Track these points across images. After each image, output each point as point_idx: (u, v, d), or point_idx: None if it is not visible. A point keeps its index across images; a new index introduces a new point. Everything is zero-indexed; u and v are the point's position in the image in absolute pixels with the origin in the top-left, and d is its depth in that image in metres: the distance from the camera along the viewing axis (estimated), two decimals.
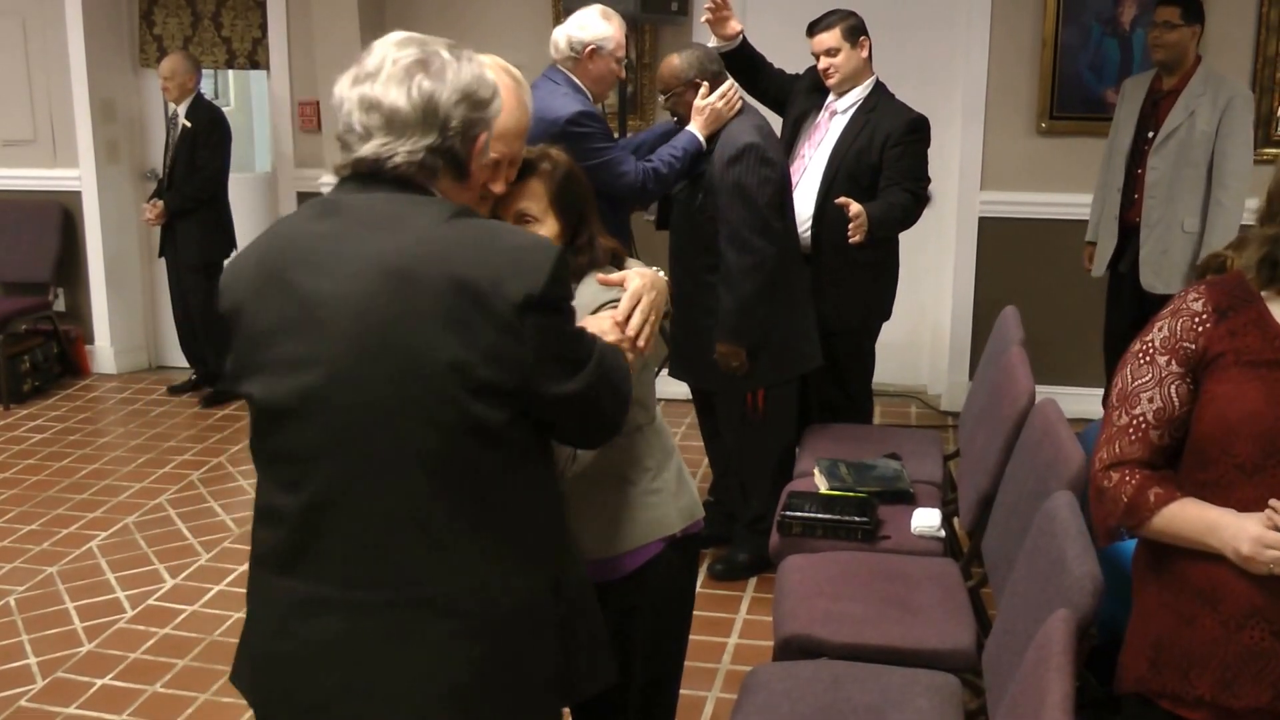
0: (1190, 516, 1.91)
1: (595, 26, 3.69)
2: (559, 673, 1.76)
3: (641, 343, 1.97)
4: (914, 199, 4.01)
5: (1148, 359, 1.97)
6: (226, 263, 1.77)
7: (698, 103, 3.79)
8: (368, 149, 1.62)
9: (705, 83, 3.80)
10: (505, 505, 1.66)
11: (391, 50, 1.64)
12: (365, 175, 1.64)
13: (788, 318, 3.87)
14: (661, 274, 2.13)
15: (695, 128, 3.80)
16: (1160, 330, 1.97)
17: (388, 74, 1.62)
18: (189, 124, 5.87)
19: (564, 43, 3.71)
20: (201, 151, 5.89)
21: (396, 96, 1.60)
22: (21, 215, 6.52)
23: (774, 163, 3.73)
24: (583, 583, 1.86)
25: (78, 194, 6.51)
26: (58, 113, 6.47)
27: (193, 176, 5.89)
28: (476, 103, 1.65)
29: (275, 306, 1.62)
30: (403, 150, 1.61)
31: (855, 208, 3.80)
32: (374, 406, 1.57)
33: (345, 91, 1.64)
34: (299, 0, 6.05)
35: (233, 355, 1.70)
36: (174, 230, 5.97)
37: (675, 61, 3.85)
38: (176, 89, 5.87)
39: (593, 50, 3.68)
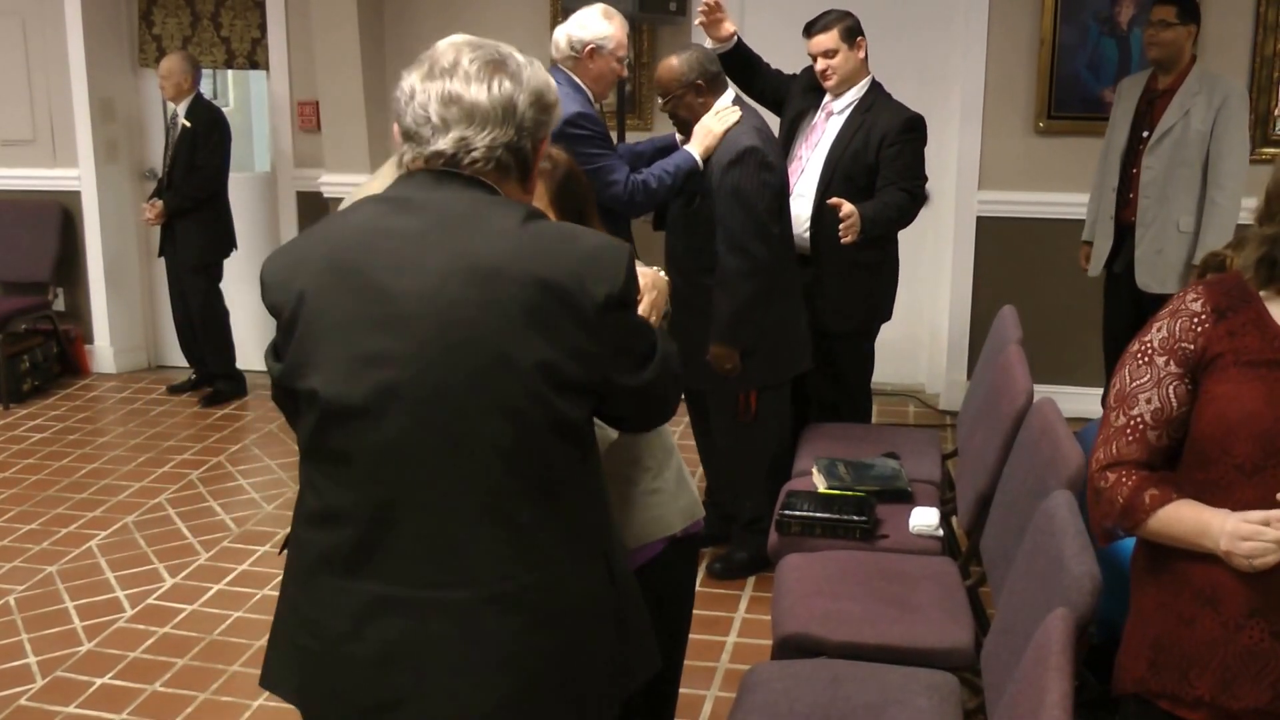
0: (1185, 518, 1.91)
1: (596, 26, 3.70)
2: (618, 661, 1.77)
3: None
4: (910, 198, 4.01)
5: (1146, 359, 1.97)
6: (271, 255, 1.71)
7: (697, 127, 3.77)
8: (445, 142, 1.63)
9: (706, 91, 3.81)
10: (576, 498, 1.69)
11: (466, 50, 1.67)
12: (438, 172, 1.65)
13: (780, 320, 3.87)
14: (663, 274, 2.14)
15: (694, 147, 3.77)
16: (1159, 331, 1.97)
17: (466, 71, 1.64)
18: (188, 124, 5.87)
19: (564, 42, 3.71)
20: (201, 151, 5.89)
21: (477, 92, 1.63)
22: (21, 215, 6.52)
23: (773, 167, 3.73)
24: (629, 571, 1.87)
25: (77, 194, 6.51)
26: (57, 112, 6.47)
27: (192, 176, 5.89)
28: (545, 106, 1.70)
29: (350, 302, 1.60)
30: (481, 145, 1.63)
31: (846, 208, 3.81)
32: (456, 404, 1.58)
33: (419, 85, 1.65)
34: (298, 0, 6.05)
35: (292, 350, 1.65)
36: (173, 230, 5.97)
37: (674, 63, 3.83)
38: (173, 88, 5.87)
39: (593, 49, 3.69)
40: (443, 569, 1.61)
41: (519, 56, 1.69)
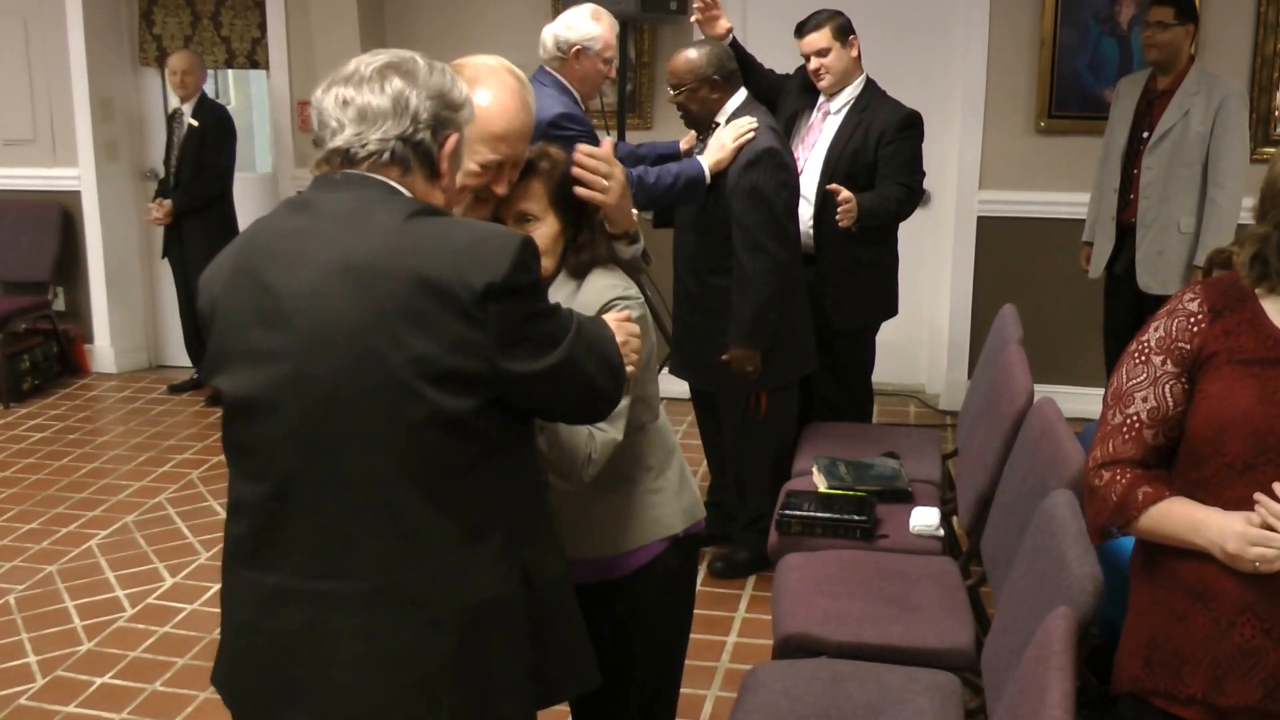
0: (1176, 515, 1.92)
1: (583, 26, 3.68)
2: (533, 669, 1.76)
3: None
4: (908, 192, 4.03)
5: (1143, 359, 1.98)
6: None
7: (713, 140, 3.74)
8: (340, 139, 1.68)
9: (721, 87, 3.80)
10: (474, 497, 1.68)
11: (366, 58, 1.73)
12: (338, 175, 1.70)
13: (789, 321, 3.87)
14: (634, 316, 2.08)
15: (706, 158, 3.72)
16: (1156, 330, 1.98)
17: (361, 76, 1.70)
18: (195, 123, 5.87)
19: (551, 42, 3.70)
20: (209, 151, 5.90)
21: (370, 93, 1.68)
22: (21, 215, 6.53)
23: (789, 167, 3.74)
24: (561, 581, 1.86)
25: (77, 193, 6.51)
26: (58, 112, 6.47)
27: (200, 176, 5.90)
28: (447, 103, 1.72)
29: (246, 300, 1.67)
30: (374, 138, 1.67)
31: (845, 194, 3.83)
32: (337, 400, 1.61)
33: (321, 95, 1.72)
34: (298, 0, 6.05)
35: (209, 350, 1.74)
36: (180, 230, 5.96)
37: (692, 55, 3.82)
38: (193, 84, 5.89)
39: (579, 50, 3.67)
40: (333, 561, 1.64)
41: (422, 62, 1.73)
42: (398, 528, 1.63)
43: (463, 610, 1.67)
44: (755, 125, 3.72)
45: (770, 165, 3.66)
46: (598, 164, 2.10)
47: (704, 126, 3.88)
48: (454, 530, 1.66)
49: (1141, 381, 1.97)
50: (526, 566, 1.75)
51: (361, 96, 1.68)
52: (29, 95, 6.50)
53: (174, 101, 6.18)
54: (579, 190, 2.10)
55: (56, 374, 6.52)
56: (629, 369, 1.90)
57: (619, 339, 1.90)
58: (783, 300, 3.76)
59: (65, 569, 4.23)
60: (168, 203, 5.91)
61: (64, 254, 6.53)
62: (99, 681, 3.49)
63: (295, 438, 1.63)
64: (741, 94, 3.87)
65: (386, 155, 1.68)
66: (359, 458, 1.62)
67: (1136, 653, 2.01)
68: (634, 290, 2.19)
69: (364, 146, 1.67)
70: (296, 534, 1.66)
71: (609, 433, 2.03)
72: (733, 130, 3.72)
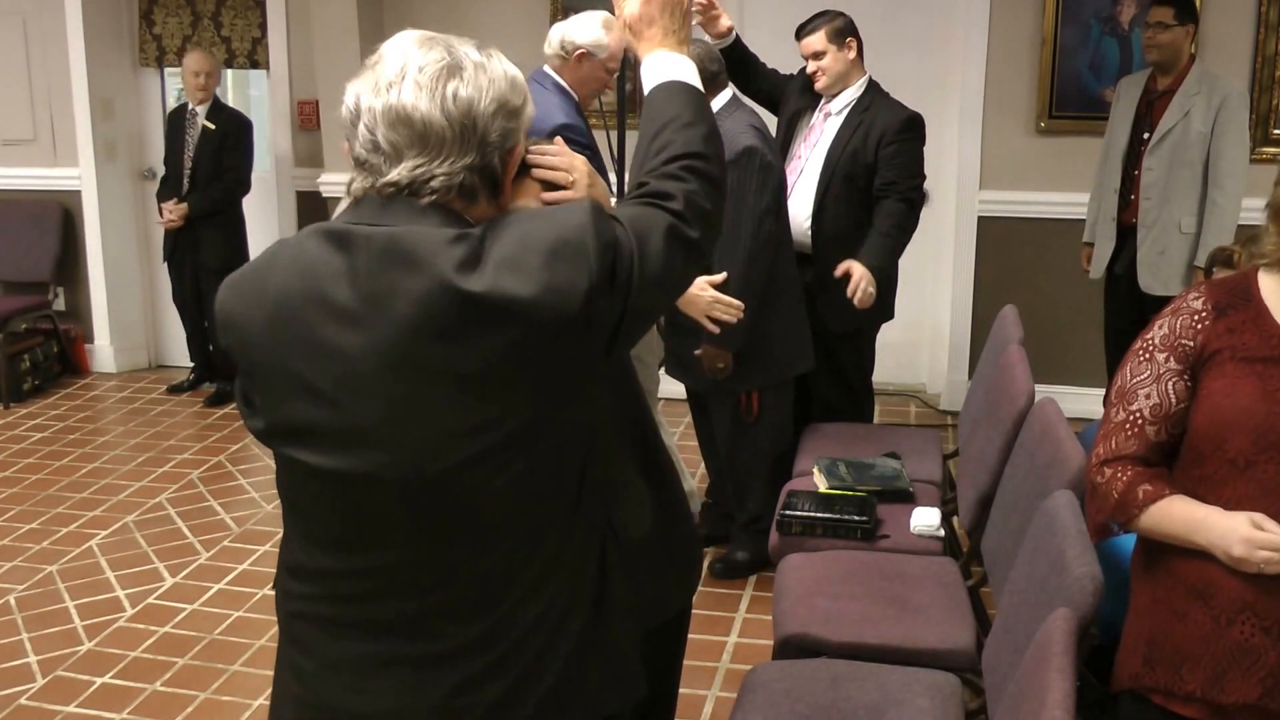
0: (1177, 514, 1.93)
1: (593, 32, 3.68)
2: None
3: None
4: (908, 206, 4.00)
5: (1147, 356, 1.99)
6: (227, 284, 1.54)
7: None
8: (399, 172, 1.42)
9: (706, 87, 3.79)
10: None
11: (415, 53, 1.45)
12: (384, 199, 1.45)
13: (780, 320, 3.87)
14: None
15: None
16: (1160, 328, 2.00)
17: (414, 81, 1.42)
18: (211, 125, 5.86)
19: (557, 41, 3.70)
20: (230, 154, 5.90)
21: (429, 109, 1.41)
22: (21, 214, 6.52)
23: (772, 166, 3.73)
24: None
25: (77, 193, 6.51)
26: (58, 112, 6.47)
27: (220, 179, 5.89)
28: (512, 110, 1.48)
29: (304, 362, 1.44)
30: (440, 173, 1.42)
31: (856, 274, 3.81)
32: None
33: (365, 102, 1.44)
34: (298, 0, 6.05)
35: (261, 408, 1.52)
36: (193, 233, 5.91)
37: None
38: (213, 86, 5.90)
39: (583, 54, 3.67)
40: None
41: (475, 54, 1.47)
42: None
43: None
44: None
45: (753, 165, 3.66)
46: (554, 160, 2.07)
47: None
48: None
49: (1145, 379, 1.98)
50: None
51: (419, 112, 1.41)
52: (29, 95, 6.50)
53: (173, 101, 6.16)
54: (546, 195, 2.07)
55: (57, 374, 6.52)
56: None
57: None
58: (763, 299, 3.76)
59: (65, 569, 4.23)
60: (183, 205, 5.88)
61: (64, 254, 6.53)
62: (99, 681, 3.49)
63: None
64: (726, 94, 3.86)
65: (454, 191, 1.43)
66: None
67: (1136, 650, 2.02)
68: None
69: (428, 183, 1.42)
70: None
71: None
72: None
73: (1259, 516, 1.85)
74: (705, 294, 3.52)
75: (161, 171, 6.16)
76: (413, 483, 1.43)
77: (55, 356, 6.51)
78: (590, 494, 1.55)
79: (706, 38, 4.21)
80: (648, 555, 1.82)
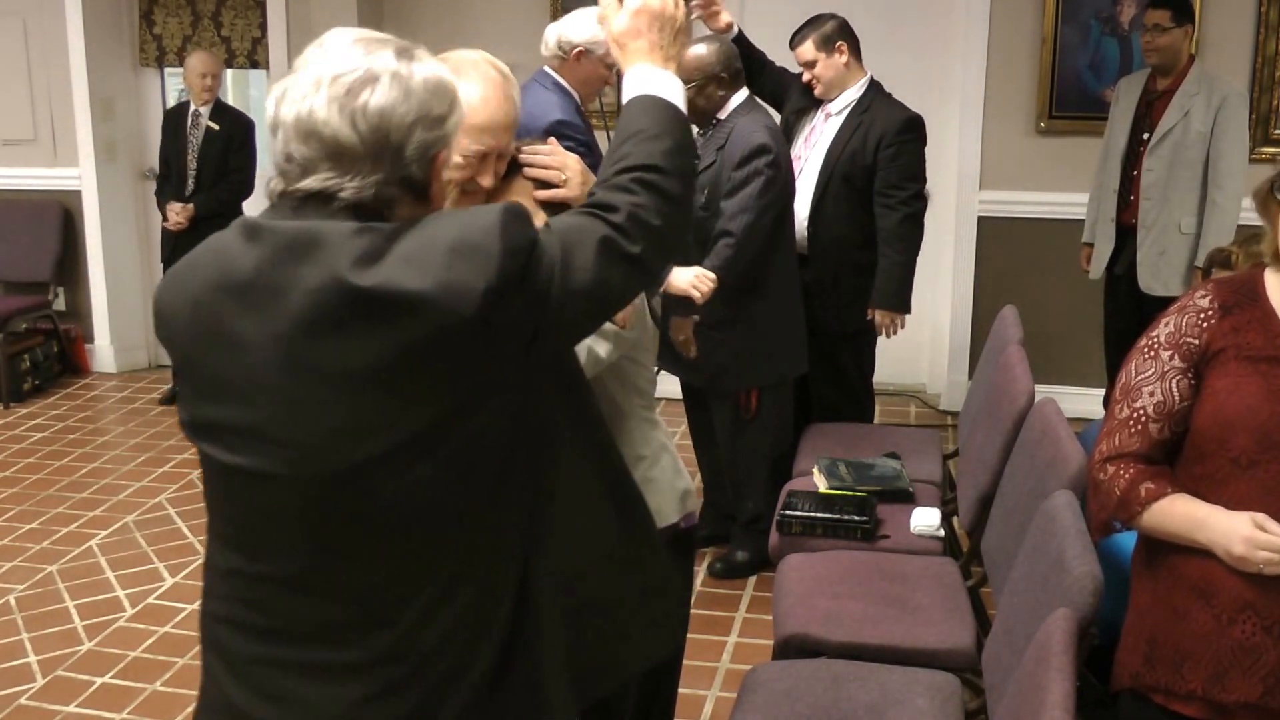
0: (1178, 513, 1.93)
1: (589, 29, 3.67)
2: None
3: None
4: (909, 220, 4.02)
5: (1152, 354, 2.00)
6: (164, 277, 1.54)
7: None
8: (310, 184, 1.41)
9: (727, 84, 3.82)
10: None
11: (332, 61, 1.42)
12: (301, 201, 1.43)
13: (779, 319, 3.87)
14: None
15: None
16: (1166, 326, 2.00)
17: (327, 93, 1.39)
18: (215, 126, 5.86)
19: (554, 41, 3.69)
20: (235, 155, 5.90)
21: (339, 124, 1.39)
22: (21, 214, 6.52)
23: (780, 166, 3.75)
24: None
25: (78, 193, 6.51)
26: (58, 112, 6.47)
27: (227, 180, 5.89)
28: (433, 121, 1.44)
29: (217, 355, 1.45)
30: (350, 186, 1.40)
31: (878, 323, 4.06)
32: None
33: (281, 112, 1.42)
34: (298, 0, 6.05)
35: (183, 401, 1.52)
36: (196, 236, 5.81)
37: (702, 52, 3.83)
38: (217, 86, 5.89)
39: (581, 52, 3.67)
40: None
41: (393, 62, 1.42)
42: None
43: None
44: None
45: (762, 163, 3.68)
46: (546, 159, 2.08)
47: (706, 122, 3.89)
48: None
49: (1149, 376, 1.99)
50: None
51: (329, 127, 1.38)
52: (29, 95, 6.50)
53: (173, 100, 6.13)
54: (538, 194, 2.08)
55: (57, 374, 6.51)
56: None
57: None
58: (764, 296, 3.80)
59: (65, 569, 4.23)
60: (189, 206, 5.84)
61: (64, 254, 6.53)
62: (99, 681, 3.49)
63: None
64: (744, 93, 3.88)
65: (368, 200, 1.41)
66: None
67: (1137, 649, 2.02)
68: None
69: (339, 194, 1.40)
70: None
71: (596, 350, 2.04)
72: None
73: (1261, 517, 1.85)
74: (686, 274, 3.43)
75: (158, 171, 6.13)
76: (309, 484, 1.41)
77: (55, 356, 6.51)
78: (507, 518, 1.49)
79: (706, 33, 4.21)
80: (601, 605, 1.75)
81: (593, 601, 1.76)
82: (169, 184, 5.98)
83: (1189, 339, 1.96)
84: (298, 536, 1.44)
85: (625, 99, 1.65)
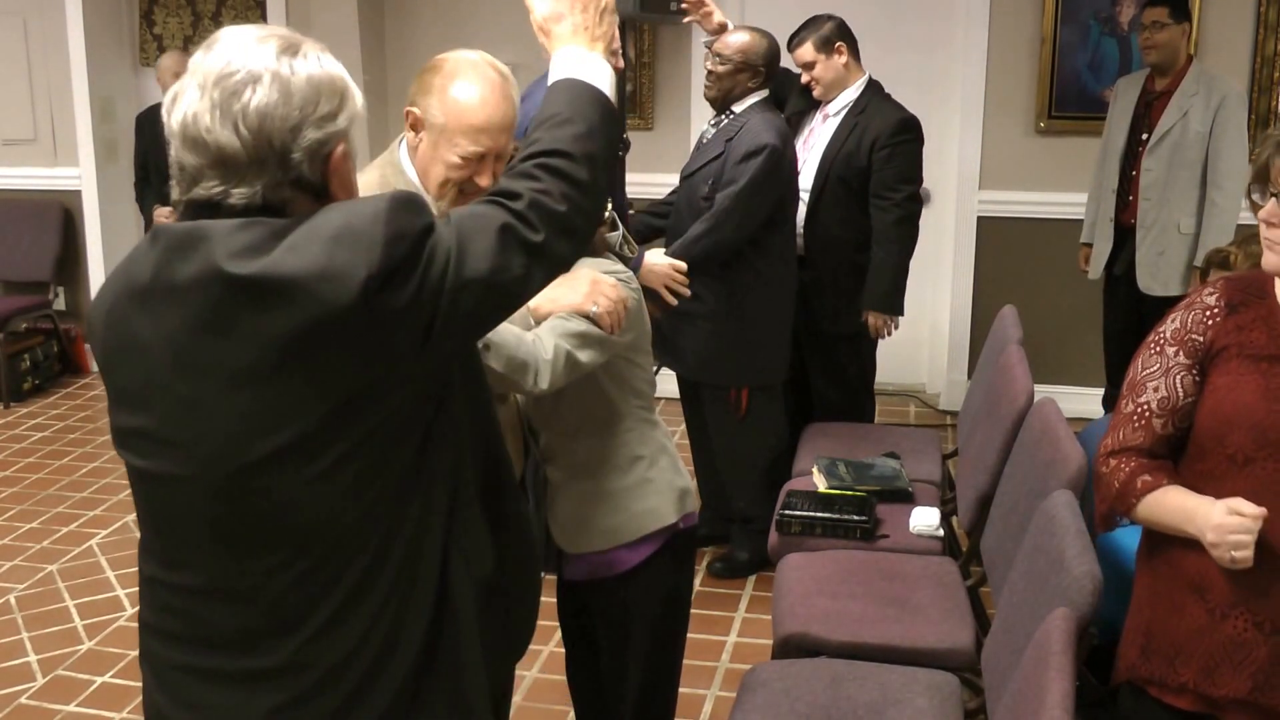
0: (1170, 504, 1.95)
1: None
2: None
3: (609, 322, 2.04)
4: (902, 221, 4.02)
5: (1158, 350, 2.01)
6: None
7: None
8: (198, 193, 1.39)
9: (757, 79, 3.86)
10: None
11: (216, 62, 1.39)
12: (197, 208, 1.41)
13: (768, 326, 3.88)
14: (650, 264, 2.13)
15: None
16: (1173, 322, 2.02)
17: (211, 100, 1.36)
18: None
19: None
20: None
21: (221, 132, 1.35)
22: (21, 214, 6.53)
23: (783, 169, 3.76)
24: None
25: (78, 193, 6.51)
26: (58, 112, 6.47)
27: None
28: (321, 119, 1.39)
29: (122, 361, 1.45)
30: (237, 193, 1.37)
31: (870, 324, 4.07)
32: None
33: (170, 118, 1.39)
34: (299, 0, 6.05)
35: (109, 408, 1.51)
36: None
37: (749, 38, 3.84)
38: None
39: None
40: None
41: (275, 61, 1.38)
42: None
43: None
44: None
45: (768, 163, 3.69)
46: None
47: (721, 108, 3.90)
48: None
49: (1154, 372, 2.00)
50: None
51: (212, 136, 1.35)
52: (29, 95, 6.50)
53: (134, 103, 6.04)
54: None
55: (57, 373, 6.52)
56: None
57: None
58: (760, 295, 3.82)
59: (66, 568, 4.23)
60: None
61: (64, 253, 6.54)
62: (99, 680, 3.49)
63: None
64: (765, 93, 3.90)
65: (257, 205, 1.37)
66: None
67: (1135, 641, 2.05)
68: (626, 271, 2.22)
69: (227, 199, 1.37)
70: None
71: (574, 353, 2.04)
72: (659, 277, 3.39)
73: (1236, 501, 1.85)
74: (661, 263, 3.39)
75: (136, 176, 6.04)
76: (207, 487, 1.38)
77: (55, 356, 6.51)
78: (420, 524, 1.44)
79: (703, 35, 4.22)
80: (500, 601, 1.65)
81: (493, 606, 1.62)
82: (150, 188, 5.93)
83: (1194, 335, 1.97)
84: (205, 540, 1.42)
85: (549, 83, 1.62)
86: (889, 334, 4.11)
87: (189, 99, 1.38)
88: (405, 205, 1.36)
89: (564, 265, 1.50)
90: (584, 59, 1.62)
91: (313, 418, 1.34)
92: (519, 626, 1.76)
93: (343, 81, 1.43)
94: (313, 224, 1.35)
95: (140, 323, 1.40)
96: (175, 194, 1.43)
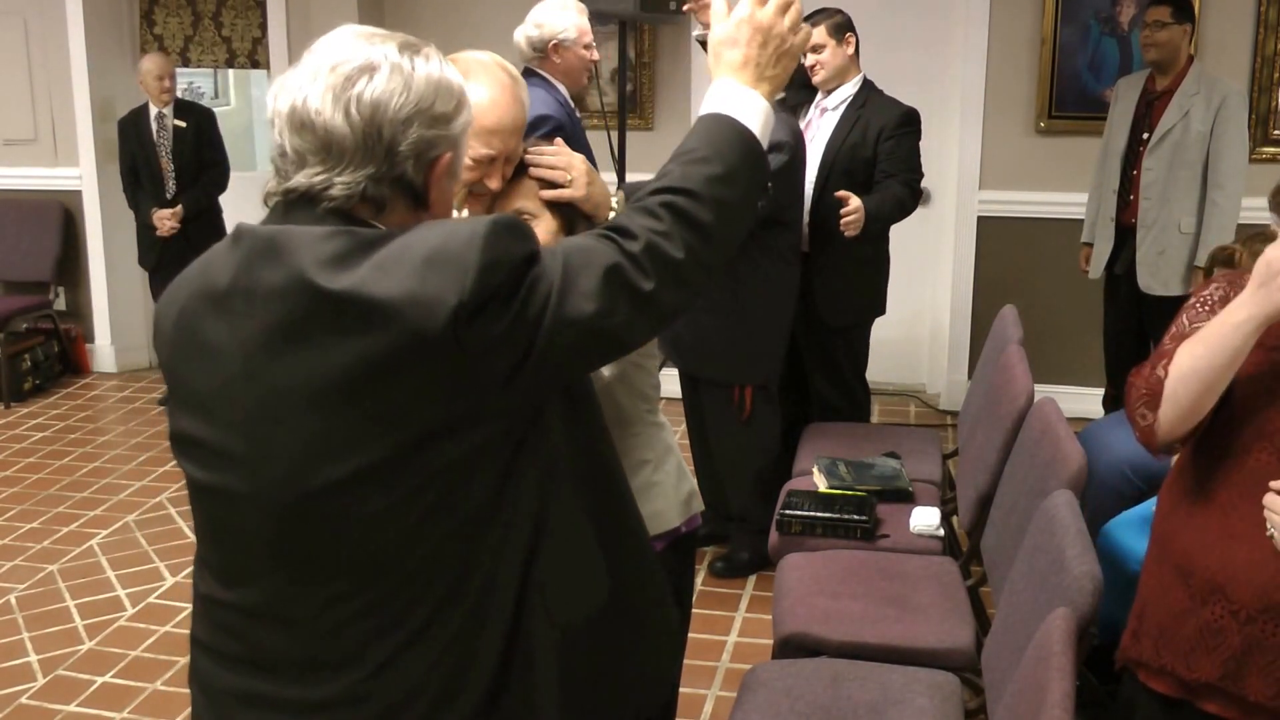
0: (1196, 341, 1.88)
1: (554, 21, 3.64)
2: None
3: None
4: (909, 192, 4.05)
5: (1207, 309, 1.97)
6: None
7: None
8: (300, 179, 1.34)
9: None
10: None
11: (330, 52, 1.36)
12: (291, 203, 1.36)
13: (768, 320, 3.88)
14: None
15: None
16: (1216, 289, 1.99)
17: (325, 84, 1.32)
18: (183, 124, 5.86)
19: (525, 44, 3.67)
20: (209, 148, 5.91)
21: (332, 115, 1.31)
22: (22, 214, 6.53)
23: (795, 169, 3.76)
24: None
25: (78, 193, 6.51)
26: (58, 112, 6.48)
27: (208, 173, 5.89)
28: (434, 119, 1.36)
29: (192, 366, 1.40)
30: (339, 181, 1.32)
31: (853, 202, 3.85)
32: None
33: (277, 103, 1.35)
34: (298, 0, 6.06)
35: (169, 413, 1.47)
36: (187, 235, 5.73)
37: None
38: (174, 86, 5.86)
39: (555, 45, 3.65)
40: None
41: (396, 56, 1.36)
42: None
43: None
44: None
45: (778, 159, 3.69)
46: (551, 159, 2.07)
47: None
48: None
49: (1201, 320, 1.95)
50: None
51: (321, 118, 1.31)
52: (29, 95, 6.50)
53: (134, 103, 6.00)
54: (544, 194, 2.07)
55: (57, 373, 6.52)
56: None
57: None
58: (764, 296, 3.81)
59: (66, 568, 4.23)
60: (178, 208, 5.78)
61: (65, 254, 6.54)
62: (100, 681, 3.49)
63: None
64: (781, 92, 3.89)
65: (356, 199, 1.34)
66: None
67: (1130, 624, 2.07)
68: None
69: (327, 191, 1.33)
70: None
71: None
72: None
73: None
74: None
75: (125, 181, 5.96)
76: (268, 508, 1.33)
77: (56, 356, 6.52)
78: (494, 564, 1.36)
79: (697, 29, 4.23)
80: (598, 650, 1.54)
81: (582, 655, 1.52)
82: (143, 191, 5.87)
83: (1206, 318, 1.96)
84: (264, 561, 1.36)
85: (700, 113, 1.50)
86: (854, 226, 3.89)
87: (300, 83, 1.34)
88: (507, 230, 1.29)
89: (672, 319, 1.39)
90: (742, 96, 1.48)
91: (383, 448, 1.28)
92: (643, 666, 1.64)
93: (460, 90, 1.40)
94: (405, 241, 1.28)
95: (214, 327, 1.35)
96: (271, 185, 1.38)
